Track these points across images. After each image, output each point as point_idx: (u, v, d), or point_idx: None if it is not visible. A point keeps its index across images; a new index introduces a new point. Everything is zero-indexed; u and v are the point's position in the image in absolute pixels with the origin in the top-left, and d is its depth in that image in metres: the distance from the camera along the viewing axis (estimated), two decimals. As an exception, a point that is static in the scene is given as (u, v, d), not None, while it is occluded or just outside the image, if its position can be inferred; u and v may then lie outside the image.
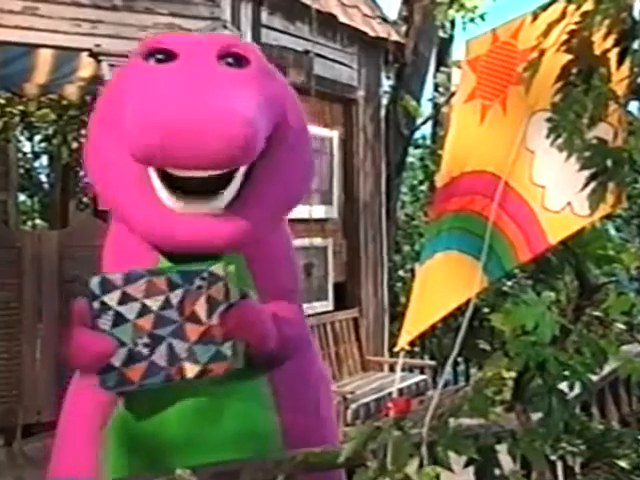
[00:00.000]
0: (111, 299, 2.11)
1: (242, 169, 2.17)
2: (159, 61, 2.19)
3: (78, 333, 2.13)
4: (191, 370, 2.12)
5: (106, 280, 2.12)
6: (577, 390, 2.00)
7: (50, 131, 9.41)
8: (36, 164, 10.79)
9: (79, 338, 2.13)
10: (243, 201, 2.17)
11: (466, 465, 2.09)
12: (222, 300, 2.13)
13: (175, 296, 2.13)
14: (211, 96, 2.03)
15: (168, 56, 2.19)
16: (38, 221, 10.87)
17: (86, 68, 6.00)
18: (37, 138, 10.21)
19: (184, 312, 2.13)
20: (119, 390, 2.16)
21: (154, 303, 2.12)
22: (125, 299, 2.12)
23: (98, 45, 4.94)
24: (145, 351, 2.11)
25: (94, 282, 2.12)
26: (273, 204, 2.25)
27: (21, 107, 8.60)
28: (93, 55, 5.01)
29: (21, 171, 10.38)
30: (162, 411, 2.19)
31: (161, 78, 2.12)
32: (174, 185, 2.12)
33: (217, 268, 2.14)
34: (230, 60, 2.20)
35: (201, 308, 2.13)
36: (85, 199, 9.44)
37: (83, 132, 8.49)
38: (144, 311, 2.12)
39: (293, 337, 2.31)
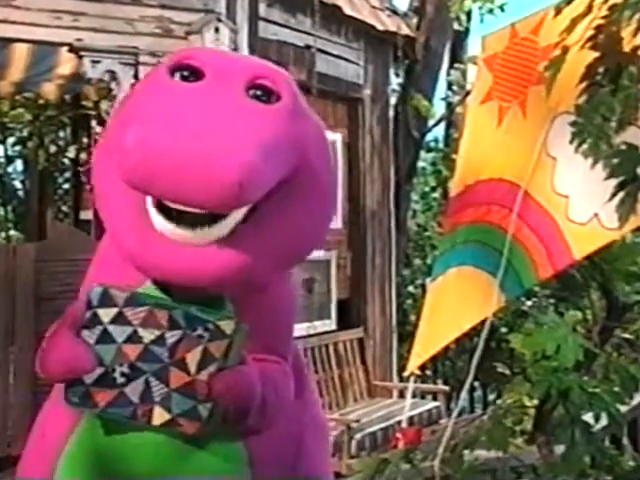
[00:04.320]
0: (105, 314, 2.13)
1: (242, 208, 2.17)
2: (184, 78, 2.20)
3: (62, 336, 2.15)
4: (160, 417, 2.13)
5: (108, 294, 2.15)
6: (604, 421, 2.00)
7: (25, 133, 9.42)
8: (9, 169, 10.79)
9: (62, 342, 2.15)
10: (239, 238, 2.15)
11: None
12: (219, 359, 2.13)
13: (172, 336, 2.13)
14: (216, 131, 2.02)
15: (194, 74, 2.18)
16: (12, 232, 10.86)
17: (66, 65, 6.01)
18: (11, 141, 10.22)
19: (174, 355, 2.14)
20: (81, 408, 2.18)
21: (147, 335, 2.13)
22: (119, 320, 2.13)
23: (80, 39, 4.93)
24: (121, 380, 2.13)
25: (95, 291, 2.14)
26: (275, 248, 2.24)
27: (-7, 107, 8.62)
28: (74, 50, 5.01)
29: (-7, 177, 10.42)
30: (121, 443, 2.21)
31: (176, 98, 2.14)
32: (169, 214, 2.14)
33: (226, 324, 2.14)
34: (259, 92, 2.18)
35: (193, 359, 2.13)
36: (64, 208, 9.45)
37: (61, 134, 8.50)
38: (134, 339, 2.14)
39: (276, 404, 2.28)
